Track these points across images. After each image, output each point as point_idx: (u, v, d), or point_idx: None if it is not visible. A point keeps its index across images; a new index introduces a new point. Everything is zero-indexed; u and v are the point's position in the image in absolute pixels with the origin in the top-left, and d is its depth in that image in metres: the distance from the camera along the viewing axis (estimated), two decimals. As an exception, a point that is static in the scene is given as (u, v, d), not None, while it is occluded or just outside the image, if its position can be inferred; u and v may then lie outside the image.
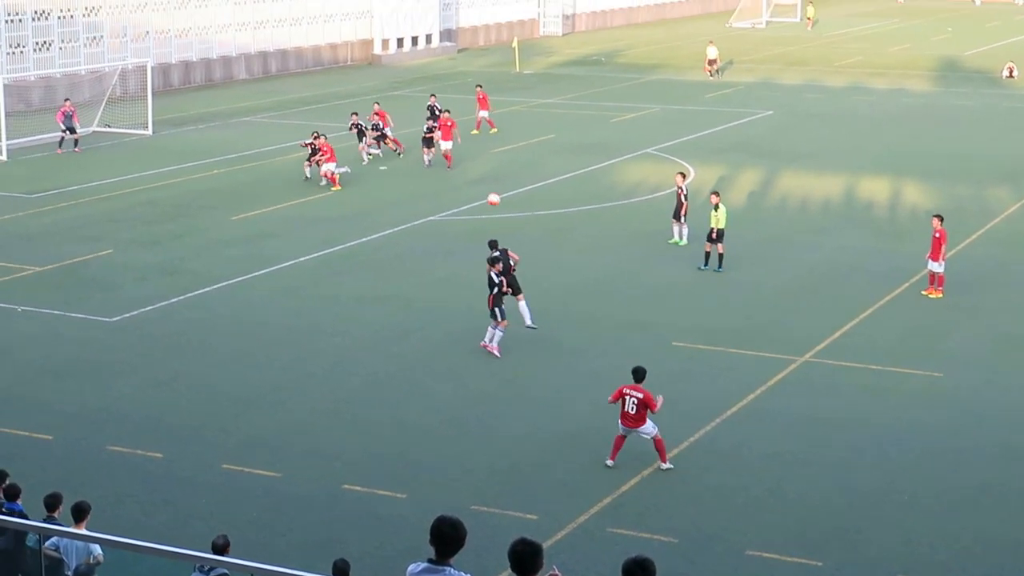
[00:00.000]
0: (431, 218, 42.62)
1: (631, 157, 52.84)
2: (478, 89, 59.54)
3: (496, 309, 29.28)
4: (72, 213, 43.21)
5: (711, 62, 78.15)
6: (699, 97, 69.99)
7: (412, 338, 30.80)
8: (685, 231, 39.21)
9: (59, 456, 24.11)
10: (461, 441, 25.00)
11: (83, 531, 16.94)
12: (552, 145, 55.81)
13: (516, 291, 29.98)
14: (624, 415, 23.49)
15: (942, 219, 33.98)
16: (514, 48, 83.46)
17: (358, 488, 22.81)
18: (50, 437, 24.97)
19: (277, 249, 38.65)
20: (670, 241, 39.24)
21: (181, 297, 33.95)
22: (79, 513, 17.72)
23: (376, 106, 53.91)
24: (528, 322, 29.87)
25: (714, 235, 36.43)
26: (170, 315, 32.56)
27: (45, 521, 17.32)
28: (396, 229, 41.23)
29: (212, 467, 23.64)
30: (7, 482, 18.71)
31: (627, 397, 23.44)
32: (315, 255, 38.10)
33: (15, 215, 42.74)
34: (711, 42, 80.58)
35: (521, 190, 46.90)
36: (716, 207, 36.53)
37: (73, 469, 23.43)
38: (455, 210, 43.76)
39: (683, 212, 38.97)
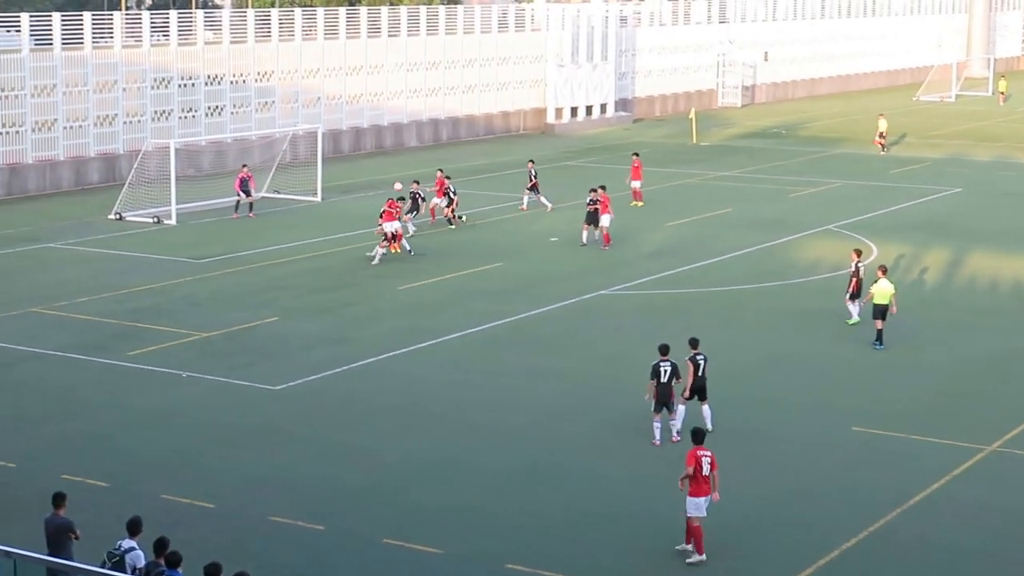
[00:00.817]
0: (602, 292, 42.90)
1: (810, 233, 52.45)
2: (635, 157, 59.22)
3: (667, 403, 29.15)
4: (239, 279, 44.21)
5: (881, 135, 77.49)
6: (883, 172, 69.27)
7: (579, 417, 30.81)
8: (855, 308, 38.78)
9: (220, 525, 24.47)
10: (628, 523, 24.92)
11: (243, 602, 17.27)
12: (728, 219, 55.67)
13: (702, 396, 29.58)
14: (705, 480, 23.54)
15: None
16: (691, 119, 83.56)
17: (521, 567, 22.93)
18: (212, 505, 25.39)
19: (443, 321, 39.08)
20: (849, 322, 38.79)
21: (346, 367, 34.45)
22: None
23: (439, 173, 54.59)
24: (708, 427, 29.32)
25: (878, 311, 36.77)
26: (335, 385, 33.07)
27: None
28: (564, 303, 41.54)
29: (374, 541, 23.91)
30: (168, 549, 19.19)
31: (703, 459, 23.54)
32: (481, 328, 38.46)
33: (183, 280, 43.80)
34: (881, 115, 79.84)
35: (695, 265, 46.85)
36: (876, 281, 36.88)
37: (233, 539, 23.78)
38: (626, 284, 43.96)
39: (856, 290, 38.64)
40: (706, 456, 23.62)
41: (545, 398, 32.08)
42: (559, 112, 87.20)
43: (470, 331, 38.04)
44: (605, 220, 48.56)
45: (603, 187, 49.91)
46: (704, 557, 23.26)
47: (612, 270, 45.75)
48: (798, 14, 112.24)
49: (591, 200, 49.20)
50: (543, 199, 56.12)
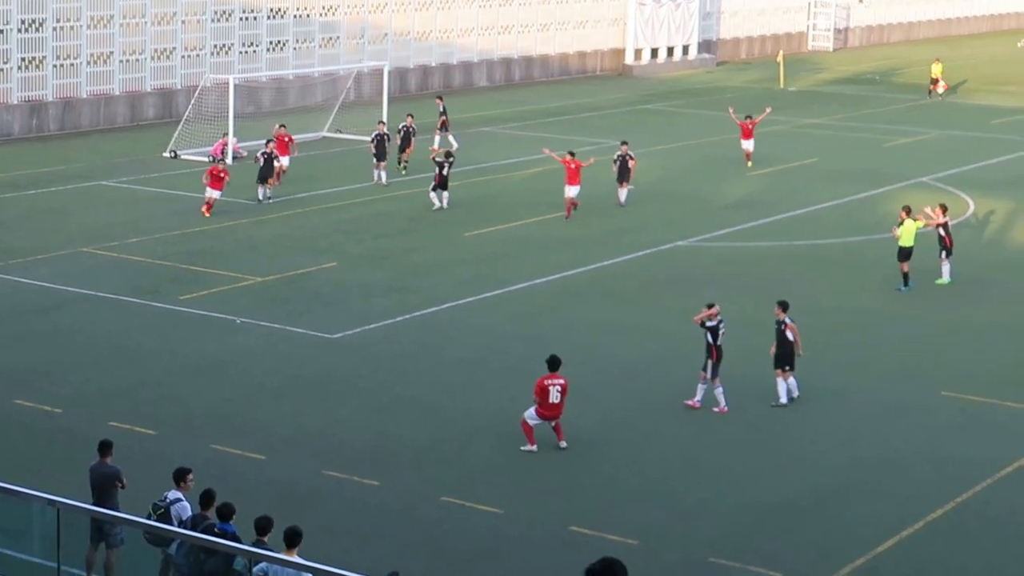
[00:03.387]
0: (678, 243, 42.80)
1: (904, 186, 51.92)
2: (748, 119, 54.88)
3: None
4: (298, 223, 44.29)
5: (934, 81, 76.56)
6: (984, 123, 68.45)
7: (652, 373, 30.79)
8: (946, 268, 38.50)
9: (272, 478, 24.69)
10: (701, 489, 24.96)
11: (295, 558, 17.35)
12: (816, 170, 55.21)
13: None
14: (551, 407, 25.88)
15: None
16: (779, 63, 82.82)
17: (587, 531, 22.91)
18: (263, 457, 25.64)
19: (511, 270, 39.18)
20: (937, 282, 38.47)
21: (408, 316, 34.56)
22: (291, 539, 18.14)
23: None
24: (793, 395, 29.11)
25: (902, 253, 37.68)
26: (395, 335, 33.17)
27: (254, 545, 17.79)
28: (640, 254, 41.50)
29: (431, 499, 24.00)
30: (216, 501, 19.29)
31: (550, 388, 25.89)
32: (551, 278, 38.49)
33: (239, 222, 44.05)
34: (937, 60, 78.61)
35: (779, 216, 46.62)
36: (900, 223, 37.69)
37: (285, 493, 23.93)
38: (703, 236, 43.81)
39: (947, 247, 38.39)
40: (556, 385, 25.82)
41: (616, 354, 32.05)
42: (638, 53, 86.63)
43: (539, 281, 38.11)
44: (572, 191, 44.98)
45: (625, 142, 48.19)
46: (535, 447, 25.75)
47: (689, 221, 45.53)
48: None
49: (618, 156, 47.46)
50: (451, 138, 54.59)
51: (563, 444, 26.24)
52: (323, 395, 29.08)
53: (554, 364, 26.39)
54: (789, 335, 28.67)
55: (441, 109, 56.78)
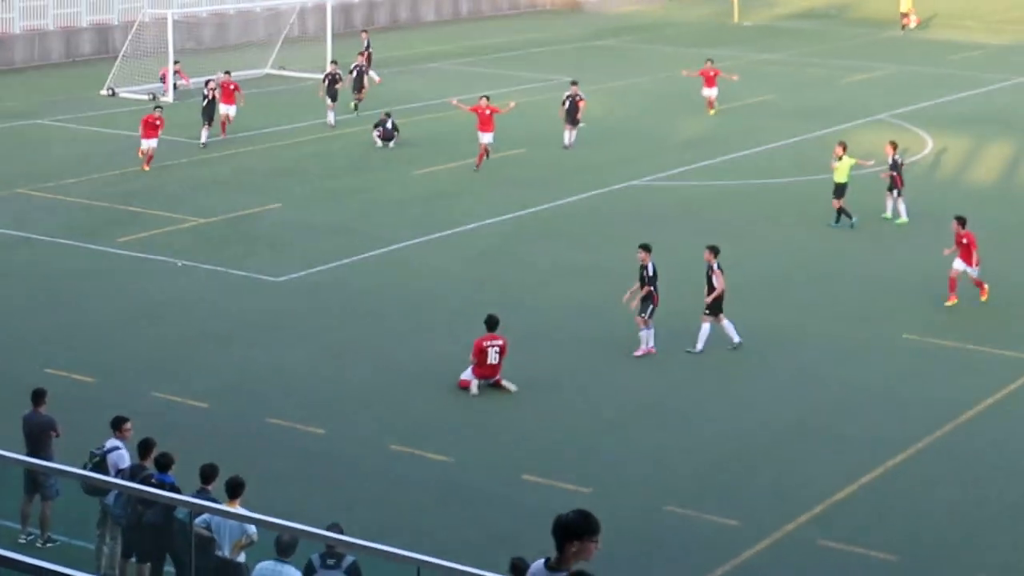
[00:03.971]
0: (633, 183, 42.51)
1: (861, 124, 51.77)
2: (708, 64, 53.34)
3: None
4: (241, 163, 43.78)
5: (904, 15, 76.63)
6: (942, 58, 68.36)
7: (607, 315, 30.46)
8: (902, 207, 38.48)
9: (215, 426, 24.45)
10: (656, 435, 24.79)
11: (237, 509, 17.08)
12: (771, 107, 54.96)
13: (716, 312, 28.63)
14: (489, 368, 25.88)
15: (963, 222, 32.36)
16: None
17: (538, 479, 22.76)
18: (206, 405, 25.36)
19: (462, 210, 38.88)
20: (883, 215, 38.58)
21: (356, 258, 34.26)
22: (234, 489, 17.91)
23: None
24: (735, 340, 28.81)
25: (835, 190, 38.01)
26: (343, 278, 32.86)
27: (198, 495, 17.50)
28: (594, 193, 41.02)
29: (379, 447, 23.77)
30: (155, 451, 18.93)
31: (489, 349, 25.77)
32: (504, 218, 38.27)
33: (179, 162, 43.45)
34: None
35: (732, 156, 46.29)
36: (838, 159, 37.88)
37: (229, 441, 23.68)
38: (659, 175, 43.50)
39: (898, 187, 38.37)
40: (494, 346, 25.80)
41: (571, 295, 31.68)
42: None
43: (491, 221, 37.85)
44: (485, 138, 42.97)
45: (575, 82, 47.34)
46: (475, 388, 25.77)
47: (643, 160, 45.19)
48: None
49: (567, 97, 46.49)
50: (373, 73, 53.12)
51: (513, 388, 26.09)
52: (268, 340, 28.78)
53: (492, 324, 26.24)
54: (715, 281, 28.26)
55: (366, 43, 56.00)
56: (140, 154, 42.26)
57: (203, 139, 45.75)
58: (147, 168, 41.87)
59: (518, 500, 22.08)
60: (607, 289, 32.10)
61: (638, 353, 27.97)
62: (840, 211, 37.84)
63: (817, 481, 22.98)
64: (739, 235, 31.14)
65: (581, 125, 47.01)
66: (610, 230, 37.20)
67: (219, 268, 33.11)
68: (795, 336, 29.70)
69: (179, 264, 33.27)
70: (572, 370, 27.61)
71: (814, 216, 38.94)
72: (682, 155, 46.00)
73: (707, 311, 28.31)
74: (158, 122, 42.27)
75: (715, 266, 28.29)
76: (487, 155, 43.01)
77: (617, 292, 31.96)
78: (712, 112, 53.03)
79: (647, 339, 28.15)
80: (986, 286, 31.90)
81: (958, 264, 31.69)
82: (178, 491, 17.24)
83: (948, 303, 31.53)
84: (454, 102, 45.61)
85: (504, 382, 26.19)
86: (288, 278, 32.56)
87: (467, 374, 26.17)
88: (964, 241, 31.72)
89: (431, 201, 39.72)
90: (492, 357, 25.94)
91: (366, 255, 34.49)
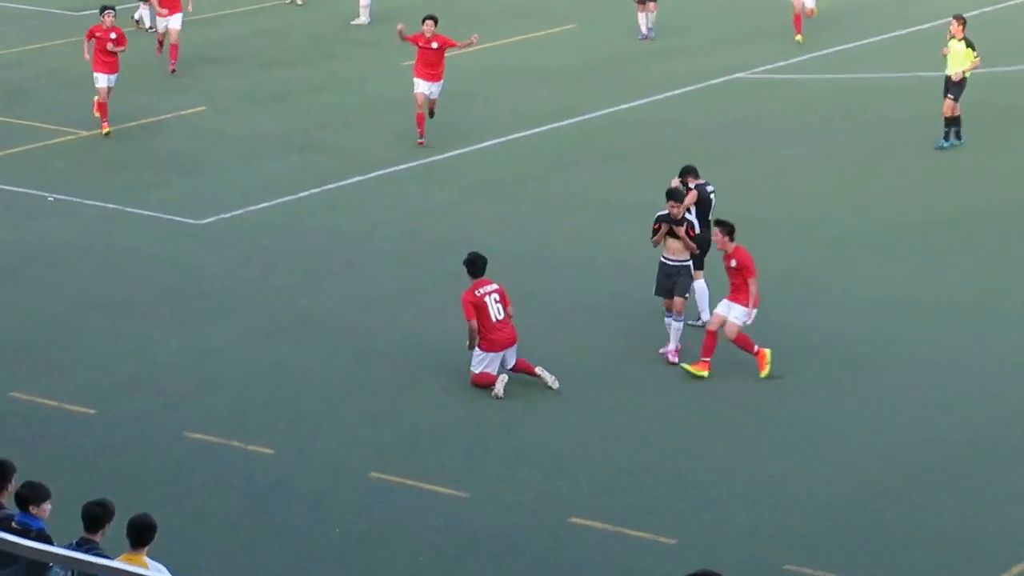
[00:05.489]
0: (738, 75, 42.00)
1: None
2: None
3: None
4: (147, 43, 43.51)
5: None
6: None
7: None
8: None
9: (105, 443, 24.27)
10: (761, 459, 24.50)
11: (141, 571, 16.31)
12: None
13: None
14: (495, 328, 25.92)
15: None
16: None
17: (592, 522, 22.44)
18: (92, 410, 25.05)
19: (472, 119, 38.93)
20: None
21: (314, 191, 34.26)
22: (139, 536, 17.44)
23: None
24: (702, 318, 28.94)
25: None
26: (293, 221, 32.97)
27: (80, 546, 17.12)
28: (674, 93, 40.74)
29: (354, 475, 23.54)
30: (15, 481, 18.35)
31: (487, 300, 25.86)
32: (533, 131, 38.31)
33: (55, 43, 43.56)
34: None
35: (879, 38, 45.98)
36: (949, 39, 37.02)
37: (128, 466, 23.59)
38: (773, 64, 43.23)
39: None
40: (491, 294, 25.96)
41: (614, 250, 31.47)
42: None
43: (514, 136, 38.10)
44: (427, 88, 37.24)
45: None
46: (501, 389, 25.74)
47: (752, 43, 45.10)
48: None
49: None
50: None
51: (554, 383, 26.11)
52: (182, 314, 28.68)
53: (478, 266, 26.42)
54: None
55: None
56: (97, 108, 37.84)
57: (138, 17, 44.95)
58: (106, 128, 37.24)
59: (567, 555, 22.00)
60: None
61: (665, 351, 27.90)
62: (950, 120, 37.20)
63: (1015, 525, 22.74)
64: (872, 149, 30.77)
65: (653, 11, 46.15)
66: (690, 149, 36.44)
67: (110, 205, 33.01)
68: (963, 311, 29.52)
69: (51, 199, 33.15)
70: (624, 357, 27.61)
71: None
72: (807, 38, 45.72)
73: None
74: (117, 43, 37.54)
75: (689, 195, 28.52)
76: (430, 115, 37.37)
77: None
78: (799, 38, 51.45)
79: (677, 333, 27.82)
80: None
81: None
82: (49, 540, 17.00)
83: None
84: (400, 29, 37.90)
85: (541, 371, 26.29)
86: (213, 220, 32.54)
87: (479, 359, 26.05)
88: None
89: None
90: (495, 311, 25.91)
91: (328, 187, 34.52)
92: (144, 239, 31.63)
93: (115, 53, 37.19)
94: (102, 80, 37.09)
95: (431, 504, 23.05)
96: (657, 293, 27.66)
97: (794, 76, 42.74)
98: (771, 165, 35.97)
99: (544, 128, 37.93)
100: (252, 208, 32.95)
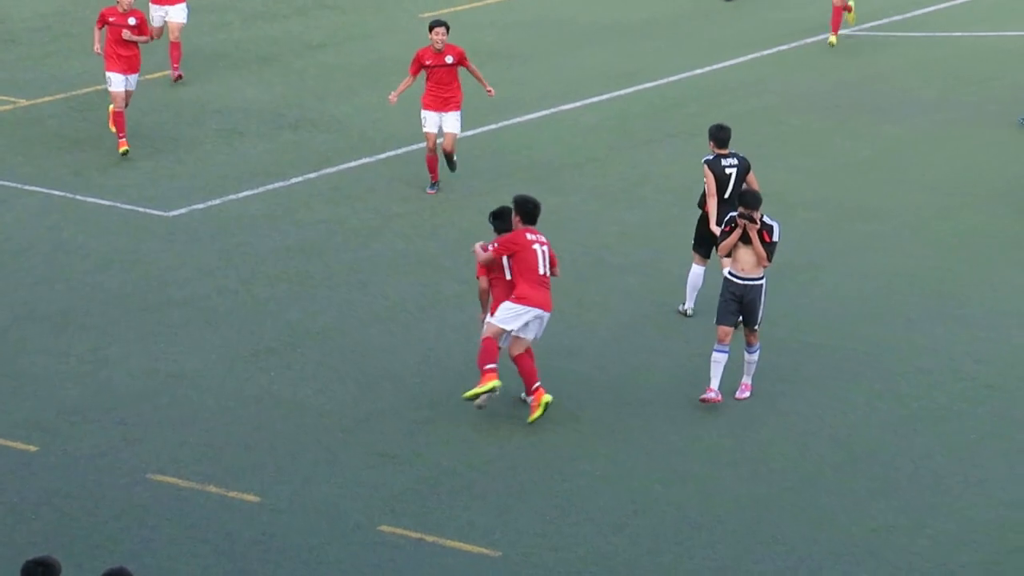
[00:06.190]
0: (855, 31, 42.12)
1: None
2: None
3: None
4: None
5: None
6: None
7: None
8: None
9: (51, 487, 24.44)
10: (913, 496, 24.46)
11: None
12: None
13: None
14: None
15: None
16: None
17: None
18: (33, 448, 25.32)
19: (513, 84, 39.31)
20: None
21: (313, 175, 35.00)
22: None
23: None
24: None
25: None
26: (282, 213, 33.51)
27: None
28: (772, 51, 41.13)
29: (358, 529, 23.75)
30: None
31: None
32: (599, 98, 39.85)
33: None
34: None
35: None
36: None
37: (79, 514, 23.80)
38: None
39: None
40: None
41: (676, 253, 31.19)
42: None
43: (573, 106, 38.48)
44: (445, 124, 35.51)
45: None
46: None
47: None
48: None
49: None
50: None
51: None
52: (145, 329, 28.84)
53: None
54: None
55: None
56: (113, 121, 36.94)
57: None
58: (124, 145, 36.49)
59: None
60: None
61: (707, 397, 27.76)
62: None
63: None
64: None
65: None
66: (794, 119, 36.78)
67: (57, 192, 33.80)
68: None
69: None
70: (693, 383, 27.82)
71: None
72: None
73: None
74: (141, 31, 36.36)
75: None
76: (450, 165, 35.76)
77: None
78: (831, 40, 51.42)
79: (751, 366, 27.98)
80: None
81: None
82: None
83: None
84: (392, 98, 35.93)
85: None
86: (184, 212, 33.09)
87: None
88: None
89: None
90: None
91: (328, 170, 35.37)
92: (99, 235, 32.05)
93: (135, 44, 35.53)
94: (117, 82, 35.49)
95: (454, 565, 22.95)
96: (720, 321, 27.17)
97: (908, 34, 42.85)
98: (880, 143, 36.41)
99: (602, 97, 38.36)
100: (232, 197, 33.48)
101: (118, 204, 32.47)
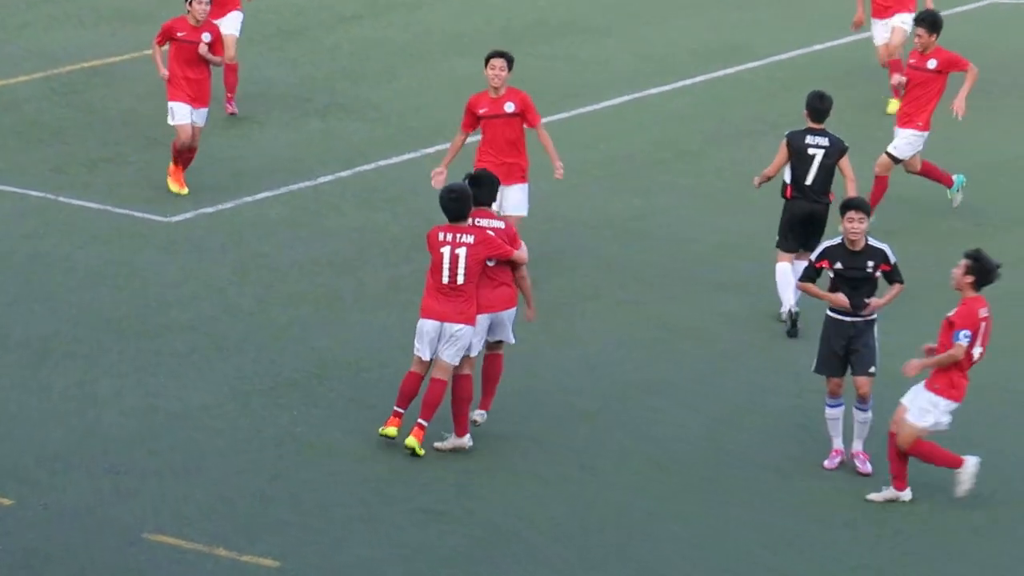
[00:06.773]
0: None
1: None
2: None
3: None
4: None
5: None
6: None
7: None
8: None
9: (30, 547, 24.90)
10: None
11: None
12: None
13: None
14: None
15: None
16: None
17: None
18: (8, 501, 25.79)
19: (581, 68, 41.17)
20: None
21: (343, 174, 36.27)
22: None
23: None
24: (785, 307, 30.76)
25: None
26: (304, 218, 34.83)
27: None
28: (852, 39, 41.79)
29: None
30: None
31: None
32: (690, 81, 42.07)
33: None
34: None
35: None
36: None
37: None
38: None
39: None
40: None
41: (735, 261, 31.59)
42: None
43: (660, 90, 40.35)
44: (514, 197, 33.43)
45: None
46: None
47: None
48: None
49: None
50: None
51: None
52: (140, 358, 29.38)
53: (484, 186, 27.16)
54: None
55: None
56: (175, 157, 36.22)
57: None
58: (182, 186, 36.14)
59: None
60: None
61: (832, 464, 27.98)
62: None
63: None
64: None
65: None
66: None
67: (35, 192, 34.82)
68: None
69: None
70: (799, 424, 28.34)
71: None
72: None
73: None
74: (212, 51, 35.70)
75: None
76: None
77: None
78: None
79: (864, 427, 27.70)
80: None
81: None
82: None
83: None
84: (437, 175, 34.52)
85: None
86: (189, 217, 34.00)
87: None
88: None
89: (516, 44, 39.10)
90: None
91: (363, 168, 36.62)
92: (85, 245, 32.90)
93: (206, 66, 34.66)
94: (183, 113, 34.40)
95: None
96: (818, 370, 27.15)
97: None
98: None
99: (695, 79, 38.23)
100: (246, 200, 34.14)
101: (108, 207, 32.85)
